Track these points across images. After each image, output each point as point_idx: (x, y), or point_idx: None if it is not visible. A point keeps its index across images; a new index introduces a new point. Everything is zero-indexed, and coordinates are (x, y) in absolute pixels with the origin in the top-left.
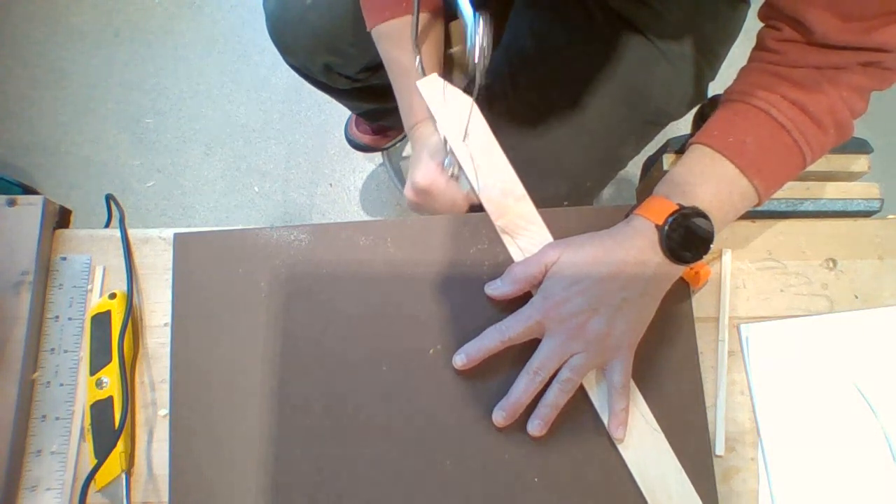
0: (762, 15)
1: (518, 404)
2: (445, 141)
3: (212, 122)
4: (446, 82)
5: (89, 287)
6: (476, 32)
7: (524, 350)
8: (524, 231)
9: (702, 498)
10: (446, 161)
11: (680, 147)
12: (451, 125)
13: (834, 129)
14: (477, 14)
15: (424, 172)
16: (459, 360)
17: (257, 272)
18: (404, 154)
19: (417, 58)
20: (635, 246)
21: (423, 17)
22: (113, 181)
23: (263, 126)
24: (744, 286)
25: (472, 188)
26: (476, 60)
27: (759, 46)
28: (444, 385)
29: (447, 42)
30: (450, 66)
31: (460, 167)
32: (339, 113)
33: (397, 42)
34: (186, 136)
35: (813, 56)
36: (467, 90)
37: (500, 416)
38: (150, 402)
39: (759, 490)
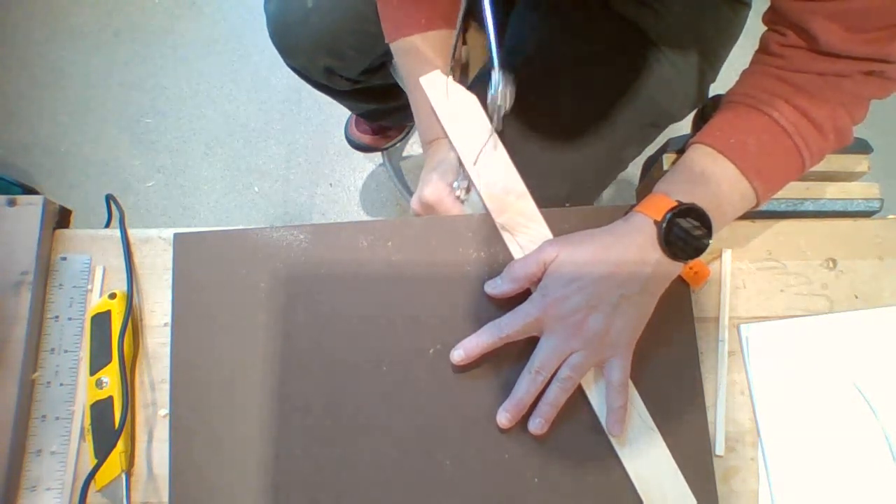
0: (767, 20)
1: (521, 404)
2: (451, 142)
3: (212, 122)
4: (449, 78)
5: (89, 287)
6: (499, 86)
7: (524, 349)
8: (525, 229)
9: (701, 498)
10: (455, 183)
11: (680, 147)
12: (453, 120)
13: (834, 134)
14: (501, 72)
15: (433, 189)
16: (457, 354)
17: (257, 272)
18: (404, 154)
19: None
20: (634, 243)
21: (445, 32)
22: (113, 181)
23: (263, 126)
24: (744, 286)
25: (475, 212)
26: (498, 104)
27: (763, 50)
28: (444, 385)
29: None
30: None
31: (468, 191)
32: (339, 113)
33: (417, 57)
34: (186, 136)
35: (816, 63)
36: (470, 88)
37: (504, 418)
38: (150, 402)
39: (759, 490)
